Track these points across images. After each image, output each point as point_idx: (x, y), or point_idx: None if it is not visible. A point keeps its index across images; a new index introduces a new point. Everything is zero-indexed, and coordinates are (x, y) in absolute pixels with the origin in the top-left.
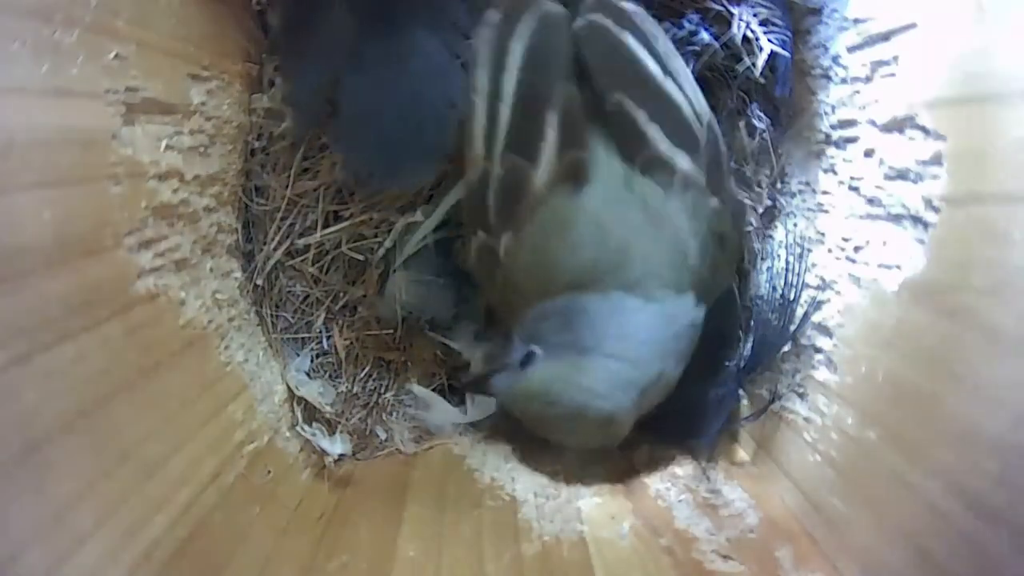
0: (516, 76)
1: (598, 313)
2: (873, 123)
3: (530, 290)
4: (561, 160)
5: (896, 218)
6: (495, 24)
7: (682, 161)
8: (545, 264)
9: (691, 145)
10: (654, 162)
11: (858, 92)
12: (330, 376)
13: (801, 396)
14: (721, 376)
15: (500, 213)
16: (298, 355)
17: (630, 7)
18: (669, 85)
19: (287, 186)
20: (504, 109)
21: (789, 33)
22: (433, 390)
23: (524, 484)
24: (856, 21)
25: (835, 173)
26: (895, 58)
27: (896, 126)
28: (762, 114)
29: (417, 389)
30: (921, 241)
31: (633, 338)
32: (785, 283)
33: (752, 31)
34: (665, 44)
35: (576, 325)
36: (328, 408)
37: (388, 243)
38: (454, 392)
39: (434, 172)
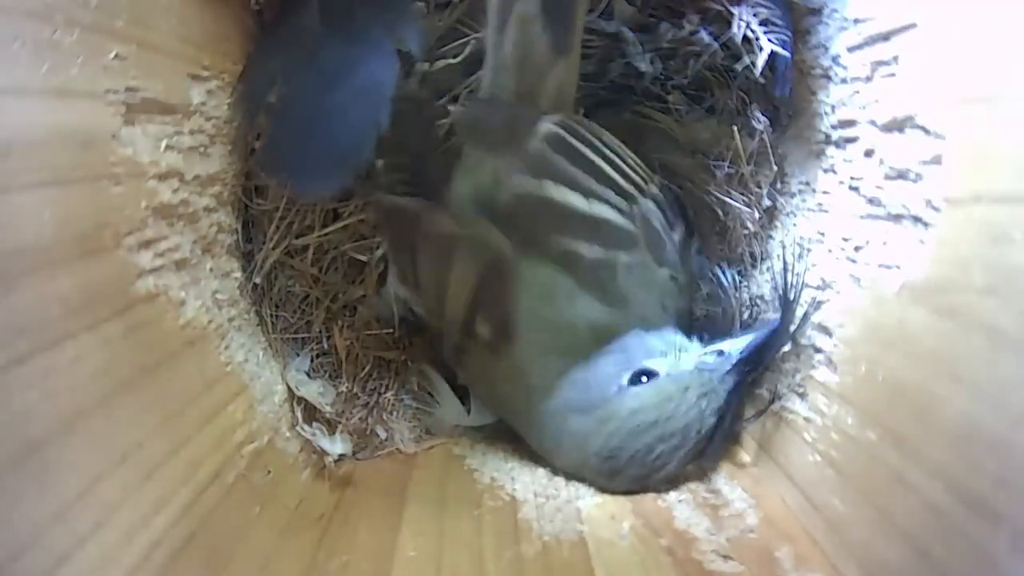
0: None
1: None
2: (873, 123)
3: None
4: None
5: (896, 218)
6: None
7: (623, 257)
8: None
9: (628, 244)
10: (592, 265)
11: (858, 92)
12: (330, 376)
13: (801, 396)
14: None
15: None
16: (298, 355)
17: (547, 131)
18: (596, 208)
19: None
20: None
21: (789, 33)
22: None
23: (524, 484)
24: (856, 21)
25: (835, 173)
26: (895, 58)
27: (896, 126)
28: (762, 114)
29: (432, 375)
30: (921, 241)
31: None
32: (785, 283)
33: (752, 31)
34: (589, 160)
35: None
36: (328, 408)
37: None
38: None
39: (343, 185)
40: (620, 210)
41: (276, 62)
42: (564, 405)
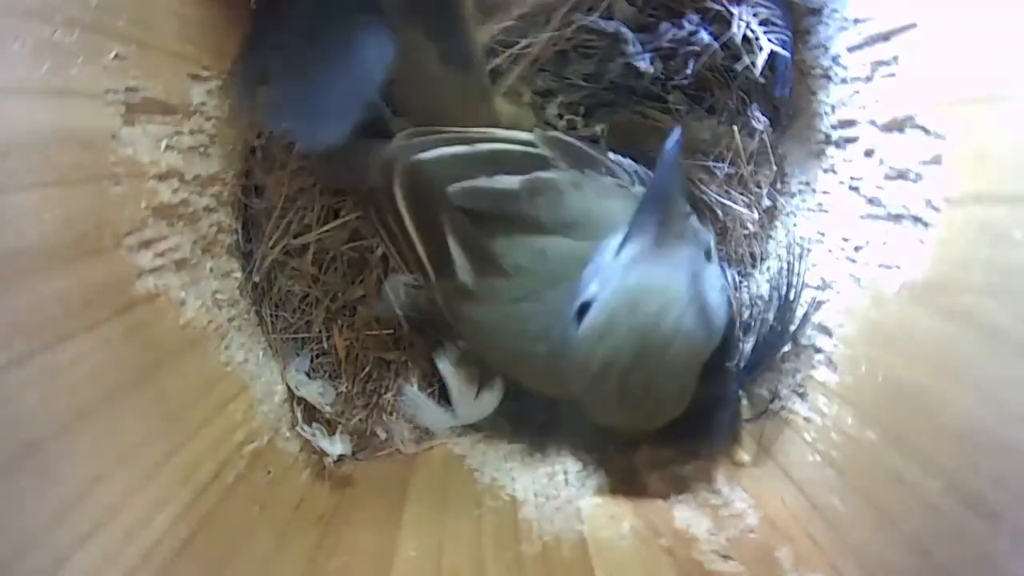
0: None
1: None
2: (873, 123)
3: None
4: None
5: (896, 218)
6: None
7: (549, 175)
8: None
9: (544, 165)
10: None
11: (858, 92)
12: (330, 376)
13: (801, 396)
14: (723, 377)
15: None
16: (298, 355)
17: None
18: (481, 147)
19: (284, 184)
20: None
21: (789, 33)
22: (432, 391)
23: (524, 484)
24: (856, 21)
25: (835, 173)
26: (895, 58)
27: (896, 126)
28: (762, 114)
29: (408, 391)
30: (921, 241)
31: None
32: (785, 283)
33: (752, 31)
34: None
35: None
36: (328, 408)
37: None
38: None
39: (348, 129)
40: (517, 141)
41: (271, 39)
42: (545, 350)
